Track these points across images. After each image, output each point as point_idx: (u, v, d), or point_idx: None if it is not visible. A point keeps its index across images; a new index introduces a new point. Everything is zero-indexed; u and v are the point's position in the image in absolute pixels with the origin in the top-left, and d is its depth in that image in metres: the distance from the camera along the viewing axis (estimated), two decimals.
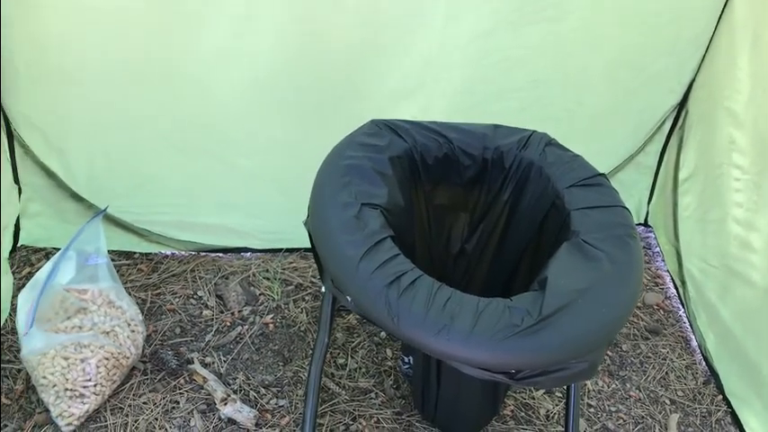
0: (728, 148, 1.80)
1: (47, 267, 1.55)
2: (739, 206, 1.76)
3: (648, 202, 2.30)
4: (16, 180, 1.77)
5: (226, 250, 2.02)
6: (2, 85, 1.62)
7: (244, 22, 1.65)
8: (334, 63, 1.76)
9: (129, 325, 1.61)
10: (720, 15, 1.81)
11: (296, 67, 1.73)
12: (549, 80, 1.87)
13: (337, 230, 1.23)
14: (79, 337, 1.52)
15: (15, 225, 1.83)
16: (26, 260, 1.87)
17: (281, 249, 2.05)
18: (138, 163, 1.84)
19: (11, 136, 1.71)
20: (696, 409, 1.80)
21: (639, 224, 2.35)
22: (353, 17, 1.68)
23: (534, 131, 1.52)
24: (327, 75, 1.76)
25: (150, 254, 1.97)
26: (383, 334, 1.85)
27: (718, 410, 1.80)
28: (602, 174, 1.44)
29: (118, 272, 1.73)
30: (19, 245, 1.88)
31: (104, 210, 1.72)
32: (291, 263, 2.02)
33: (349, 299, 1.19)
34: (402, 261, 1.17)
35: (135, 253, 1.96)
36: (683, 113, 2.03)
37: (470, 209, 1.57)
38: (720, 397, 1.83)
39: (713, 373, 1.87)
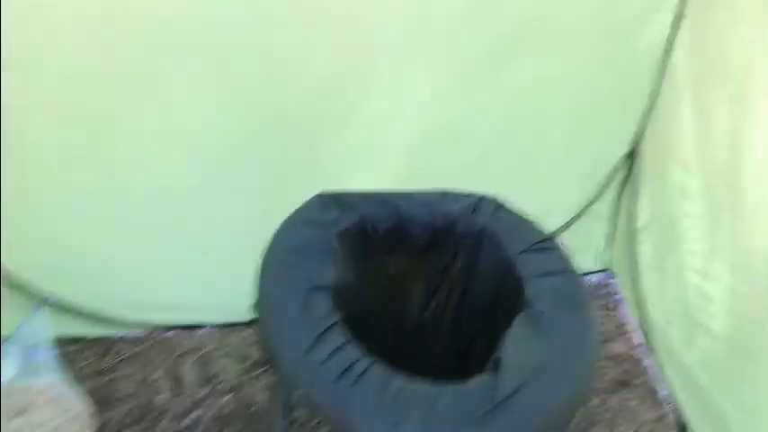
0: (680, 196, 1.80)
1: None
2: (694, 255, 1.75)
3: (608, 250, 2.30)
4: None
5: (179, 328, 1.96)
6: None
7: (190, 95, 1.62)
8: (281, 134, 1.73)
9: (77, 421, 1.54)
10: (663, 63, 1.82)
11: (241, 140, 1.70)
12: (500, 137, 1.87)
13: (284, 319, 1.19)
14: None
15: None
16: None
17: (239, 323, 1.99)
18: (82, 244, 1.77)
19: None
20: None
21: (601, 271, 2.34)
22: (299, 89, 1.66)
23: (484, 196, 1.51)
24: (275, 148, 1.73)
25: (100, 338, 1.90)
26: None
27: None
28: (552, 237, 1.43)
29: (65, 359, 1.67)
30: None
31: (47, 300, 1.65)
32: (247, 337, 1.96)
33: (298, 394, 1.14)
34: (352, 349, 1.13)
35: (84, 338, 1.89)
36: (634, 162, 2.03)
37: (425, 278, 1.53)
38: None
39: (684, 425, 1.84)
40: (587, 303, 1.27)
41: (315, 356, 1.11)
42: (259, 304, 1.25)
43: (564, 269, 1.35)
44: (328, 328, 1.16)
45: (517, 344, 1.17)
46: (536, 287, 1.31)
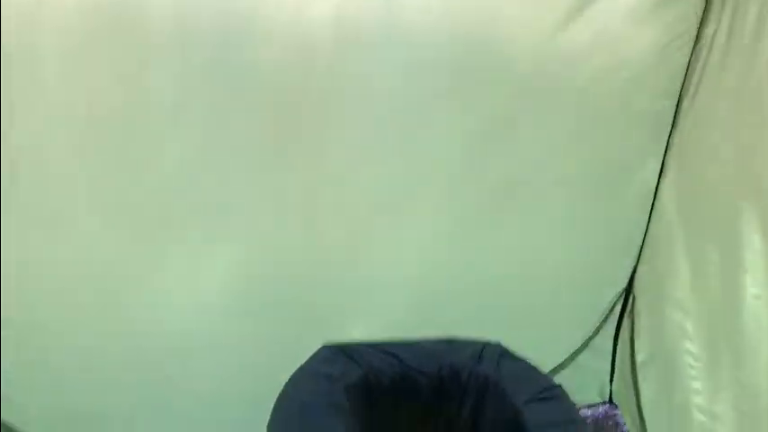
0: (679, 335, 1.83)
1: None
2: (698, 393, 1.77)
3: (611, 381, 2.31)
4: None
5: None
6: None
7: (195, 256, 1.69)
8: (284, 291, 1.79)
9: None
10: (651, 208, 1.91)
11: (246, 296, 1.75)
12: (496, 282, 1.92)
13: None
14: None
15: None
16: None
17: None
18: (85, 397, 1.79)
19: None
20: None
21: (605, 402, 2.34)
22: (301, 245, 1.73)
23: (487, 343, 1.55)
24: (278, 302, 1.78)
25: None
26: None
27: None
28: (558, 385, 1.46)
29: None
30: None
31: None
32: None
33: None
34: None
35: None
36: (629, 300, 2.08)
37: (432, 427, 1.55)
38: None
39: None
40: None
41: None
42: None
43: (568, 420, 1.38)
44: None
45: None
46: None
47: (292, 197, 1.67)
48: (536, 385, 1.45)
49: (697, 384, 1.77)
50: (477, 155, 1.75)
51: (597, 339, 2.19)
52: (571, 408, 1.41)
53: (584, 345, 2.17)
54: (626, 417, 2.26)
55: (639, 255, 2.00)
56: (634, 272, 2.04)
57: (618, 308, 2.14)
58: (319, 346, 1.51)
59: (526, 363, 1.52)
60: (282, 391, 1.39)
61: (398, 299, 1.87)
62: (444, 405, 1.52)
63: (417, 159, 1.71)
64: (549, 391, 1.44)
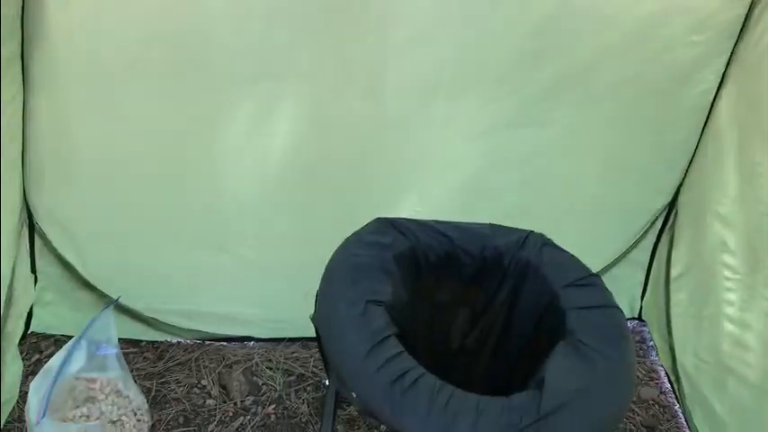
0: (719, 248, 1.87)
1: (60, 356, 1.59)
2: (731, 305, 1.82)
3: (642, 298, 2.36)
4: (33, 270, 1.84)
5: (229, 339, 2.07)
6: (26, 178, 1.70)
7: (256, 121, 1.76)
8: (340, 161, 1.86)
9: (136, 414, 1.65)
10: (706, 119, 1.92)
11: (303, 163, 1.83)
12: (540, 181, 1.97)
13: (344, 327, 1.28)
14: (87, 426, 1.55)
15: (28, 313, 1.88)
16: (36, 347, 1.91)
17: (284, 339, 2.09)
18: (149, 255, 1.91)
19: (32, 228, 1.78)
20: None
21: (633, 318, 2.40)
22: (360, 117, 1.79)
23: (531, 232, 1.60)
24: (333, 172, 1.85)
25: (156, 342, 2.01)
26: (383, 427, 1.87)
27: None
28: (596, 274, 1.51)
29: (125, 359, 1.77)
30: (29, 332, 1.92)
31: (116, 300, 1.77)
32: (293, 353, 2.06)
33: (354, 395, 1.24)
34: (406, 359, 1.23)
35: (142, 341, 2.01)
36: (672, 214, 2.12)
37: (470, 306, 1.62)
38: None
39: None
40: (627, 336, 1.34)
41: (371, 363, 1.20)
42: (321, 312, 1.35)
43: (605, 304, 1.43)
44: (385, 338, 1.25)
45: (559, 367, 1.25)
46: (577, 319, 1.39)
47: (356, 68, 1.72)
48: (575, 273, 1.50)
49: (731, 296, 1.82)
50: (534, 50, 1.76)
51: (635, 252, 2.24)
52: (608, 295, 1.46)
53: (622, 256, 2.22)
54: (653, 333, 2.32)
55: (688, 169, 2.02)
56: (680, 186, 2.06)
57: (659, 223, 2.18)
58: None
59: (568, 253, 1.57)
60: (335, 252, 1.47)
61: (447, 184, 1.92)
62: (484, 285, 1.59)
63: (476, 47, 1.74)
64: (587, 279, 1.49)
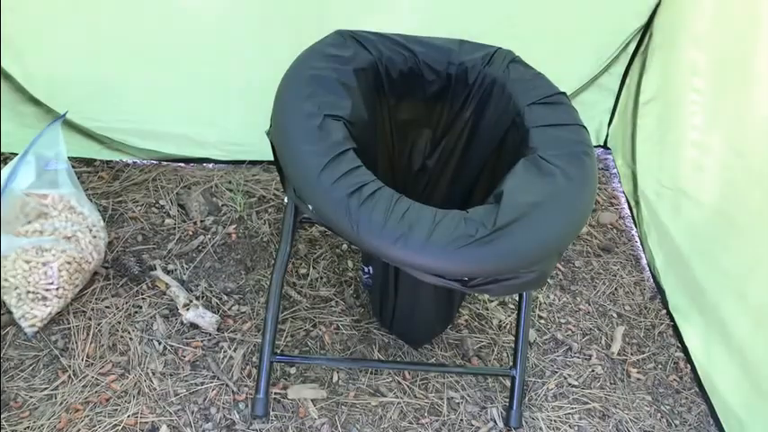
0: (689, 71, 1.83)
1: (5, 171, 1.53)
2: (695, 129, 1.81)
3: (609, 125, 2.34)
4: None
5: (188, 160, 2.02)
6: None
7: None
8: None
9: (91, 231, 1.62)
10: None
11: None
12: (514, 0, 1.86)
13: (300, 140, 1.24)
14: (40, 240, 1.52)
15: None
16: None
17: (245, 161, 2.05)
18: (99, 69, 1.81)
19: None
20: (641, 322, 1.89)
21: (599, 146, 2.40)
22: None
23: (499, 48, 1.53)
24: None
25: (111, 161, 1.96)
26: (345, 246, 1.89)
27: (662, 324, 1.90)
28: (563, 92, 1.46)
29: (79, 179, 1.72)
30: None
31: (64, 115, 1.69)
32: (255, 175, 2.03)
33: (311, 207, 1.21)
34: (364, 172, 1.20)
35: (96, 160, 1.95)
36: (647, 37, 2.04)
37: (433, 125, 1.58)
38: (665, 311, 1.92)
39: (659, 290, 1.96)
40: (590, 153, 1.32)
41: (328, 175, 1.17)
42: (276, 126, 1.29)
43: (570, 122, 1.39)
44: (343, 152, 1.21)
45: (519, 182, 1.24)
46: (541, 136, 1.36)
47: None
48: (542, 90, 1.45)
49: (696, 120, 1.80)
50: None
51: (605, 78, 2.19)
52: (574, 113, 1.42)
53: (593, 80, 2.17)
54: (617, 160, 2.33)
55: None
56: (657, 7, 1.97)
57: (632, 48, 2.11)
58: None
59: (535, 70, 1.51)
60: (292, 65, 1.39)
61: (415, 3, 1.81)
62: (448, 103, 1.54)
63: None
64: (553, 97, 1.44)
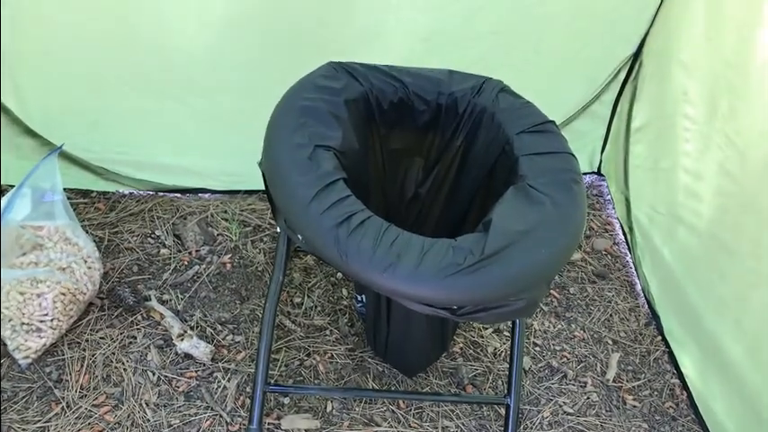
0: (681, 99, 1.84)
1: (1, 203, 1.55)
2: (688, 155, 1.82)
3: (602, 152, 2.36)
4: None
5: (184, 191, 2.03)
6: None
7: None
8: (295, 6, 1.76)
9: (86, 262, 1.63)
10: None
11: (255, 6, 1.72)
12: (506, 29, 1.88)
13: (290, 171, 1.25)
14: (35, 272, 1.53)
15: None
16: None
17: (240, 191, 2.06)
18: (95, 101, 1.83)
19: None
20: (636, 348, 1.89)
21: (593, 173, 2.41)
22: None
23: (488, 78, 1.55)
24: (287, 17, 1.75)
25: (107, 192, 1.97)
26: (339, 275, 1.89)
27: (657, 350, 1.89)
28: (552, 121, 1.47)
29: (74, 210, 1.73)
30: None
31: (60, 147, 1.71)
32: (250, 204, 2.04)
33: (300, 237, 1.22)
34: (353, 202, 1.21)
35: (92, 191, 1.96)
36: (637, 64, 2.07)
37: (424, 153, 1.59)
38: (660, 338, 1.92)
39: (654, 316, 1.96)
40: (578, 181, 1.33)
41: (318, 205, 1.18)
42: (267, 156, 1.31)
43: (559, 149, 1.41)
44: (332, 182, 1.22)
45: (507, 210, 1.25)
46: (530, 164, 1.37)
47: None
48: (531, 119, 1.47)
49: (688, 147, 1.81)
50: None
51: (596, 106, 2.21)
52: (562, 141, 1.43)
53: (584, 108, 2.19)
54: (611, 186, 2.34)
55: (655, 16, 1.95)
56: (646, 35, 2.00)
57: (622, 75, 2.13)
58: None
59: (524, 100, 1.52)
60: (284, 96, 1.41)
61: (409, 32, 1.84)
62: (439, 132, 1.56)
63: None
64: (542, 126, 1.46)
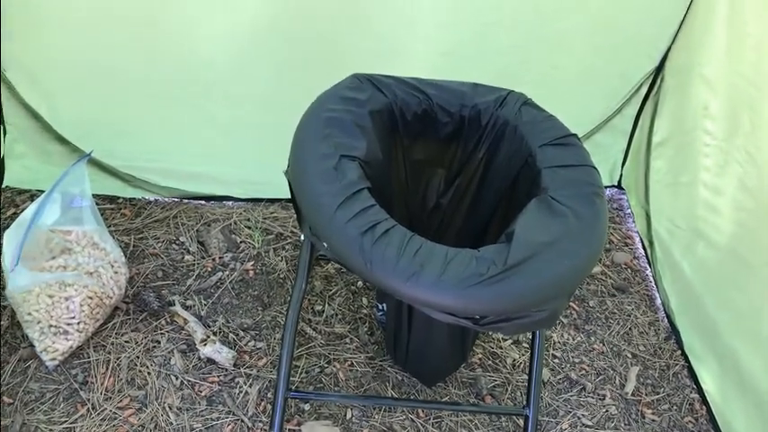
0: (701, 114, 1.85)
1: (32, 208, 1.58)
2: (707, 170, 1.83)
3: (623, 165, 2.37)
4: (1, 120, 1.80)
5: (208, 198, 2.06)
6: None
7: None
8: (319, 18, 1.79)
9: (113, 266, 1.66)
10: None
11: (280, 20, 1.75)
12: (528, 43, 1.90)
13: (316, 180, 1.27)
14: (63, 276, 1.57)
15: (0, 166, 1.86)
16: (11, 201, 1.90)
17: (263, 199, 2.09)
18: (123, 110, 1.87)
19: None
20: (656, 362, 1.89)
21: (613, 186, 2.42)
22: None
23: (511, 91, 1.56)
24: (311, 29, 1.78)
25: (134, 199, 2.01)
26: (360, 283, 1.91)
27: (676, 365, 1.89)
28: (574, 134, 1.49)
29: (102, 216, 1.76)
30: (3, 186, 1.91)
31: (89, 154, 1.75)
32: (272, 213, 2.06)
33: (326, 245, 1.24)
34: (377, 211, 1.23)
35: (119, 198, 2.00)
36: (659, 79, 2.08)
37: (447, 165, 1.61)
38: (679, 352, 1.92)
39: (674, 330, 1.96)
40: (601, 194, 1.34)
41: (343, 214, 1.20)
42: (293, 166, 1.33)
43: (581, 162, 1.42)
44: (357, 191, 1.24)
45: (530, 222, 1.26)
46: (552, 177, 1.38)
47: None
48: (553, 132, 1.48)
49: (707, 162, 1.82)
50: None
51: (618, 119, 2.22)
52: (584, 154, 1.44)
53: (605, 122, 2.20)
54: (631, 200, 2.34)
55: (678, 32, 1.96)
56: (668, 51, 2.01)
57: (644, 89, 2.14)
58: None
59: (547, 113, 1.54)
60: (309, 107, 1.43)
61: (432, 46, 1.86)
62: (462, 143, 1.57)
63: None
64: (564, 139, 1.47)
